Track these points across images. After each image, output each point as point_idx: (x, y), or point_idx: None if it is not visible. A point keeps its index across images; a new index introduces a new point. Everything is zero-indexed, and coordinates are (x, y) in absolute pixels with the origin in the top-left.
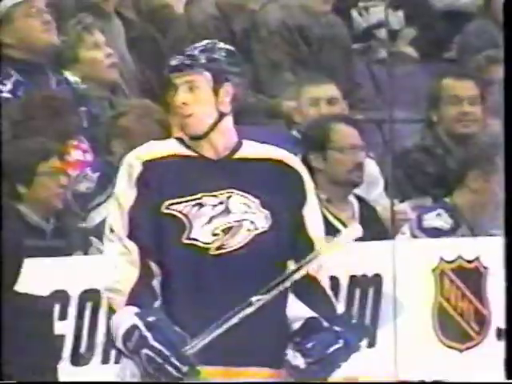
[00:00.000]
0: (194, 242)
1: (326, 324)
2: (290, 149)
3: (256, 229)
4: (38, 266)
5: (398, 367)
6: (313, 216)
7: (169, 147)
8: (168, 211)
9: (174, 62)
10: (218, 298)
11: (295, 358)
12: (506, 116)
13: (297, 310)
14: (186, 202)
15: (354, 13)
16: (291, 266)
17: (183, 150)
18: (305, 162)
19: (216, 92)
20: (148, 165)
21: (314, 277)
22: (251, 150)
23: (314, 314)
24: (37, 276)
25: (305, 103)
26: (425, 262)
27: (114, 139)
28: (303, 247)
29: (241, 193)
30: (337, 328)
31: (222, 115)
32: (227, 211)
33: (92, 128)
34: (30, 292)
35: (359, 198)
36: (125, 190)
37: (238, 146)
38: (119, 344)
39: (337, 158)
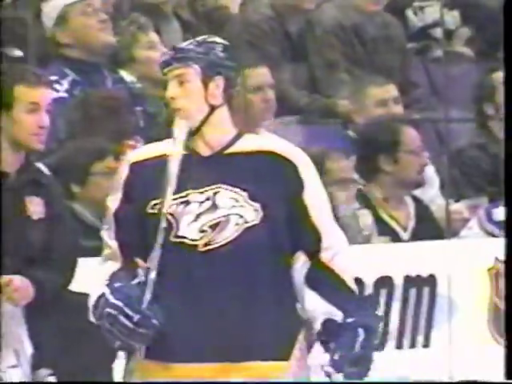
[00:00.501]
0: (182, 240)
1: (339, 320)
2: (345, 148)
3: (246, 222)
4: (93, 265)
5: (452, 367)
6: (315, 202)
7: (162, 147)
8: (153, 211)
9: (164, 57)
10: (207, 294)
11: (327, 368)
12: (506, 116)
13: (314, 304)
14: (171, 200)
15: (409, 12)
16: (301, 257)
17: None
18: (363, 161)
19: (206, 85)
20: (134, 167)
21: (327, 266)
22: (246, 143)
23: (329, 307)
24: (91, 275)
25: (370, 104)
26: (480, 262)
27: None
28: (308, 235)
29: (229, 187)
30: (350, 319)
31: (212, 108)
32: (214, 207)
33: (148, 128)
34: (85, 291)
35: (415, 198)
36: (112, 194)
37: (235, 139)
38: (91, 316)
39: (408, 160)
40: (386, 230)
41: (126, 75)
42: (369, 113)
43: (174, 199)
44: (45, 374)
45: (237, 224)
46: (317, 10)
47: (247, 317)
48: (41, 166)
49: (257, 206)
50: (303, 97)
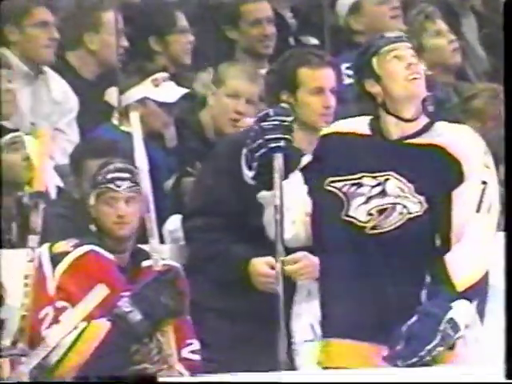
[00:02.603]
0: (352, 220)
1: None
2: None
3: (409, 213)
4: None
5: None
6: (463, 198)
7: (354, 124)
8: (329, 188)
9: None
10: (372, 273)
11: None
12: (506, 116)
13: None
14: (346, 180)
15: None
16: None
17: (364, 129)
18: None
19: None
20: (323, 140)
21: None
22: (430, 134)
23: None
24: None
25: None
26: None
27: (466, 122)
28: (445, 229)
29: (398, 177)
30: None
31: None
32: (384, 193)
33: (436, 113)
34: None
35: None
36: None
37: (423, 129)
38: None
39: None
40: None
41: None
42: None
43: (348, 179)
44: None
45: (401, 213)
46: None
47: (397, 303)
48: None
49: (421, 198)
50: None
